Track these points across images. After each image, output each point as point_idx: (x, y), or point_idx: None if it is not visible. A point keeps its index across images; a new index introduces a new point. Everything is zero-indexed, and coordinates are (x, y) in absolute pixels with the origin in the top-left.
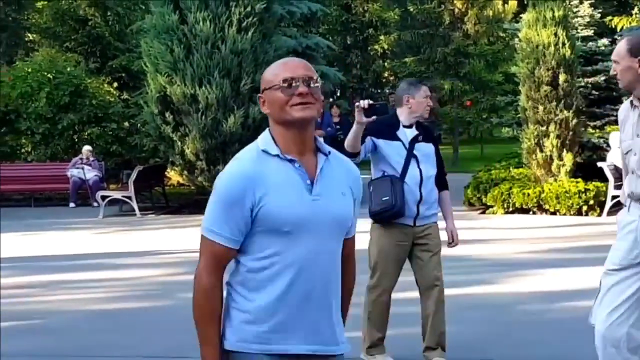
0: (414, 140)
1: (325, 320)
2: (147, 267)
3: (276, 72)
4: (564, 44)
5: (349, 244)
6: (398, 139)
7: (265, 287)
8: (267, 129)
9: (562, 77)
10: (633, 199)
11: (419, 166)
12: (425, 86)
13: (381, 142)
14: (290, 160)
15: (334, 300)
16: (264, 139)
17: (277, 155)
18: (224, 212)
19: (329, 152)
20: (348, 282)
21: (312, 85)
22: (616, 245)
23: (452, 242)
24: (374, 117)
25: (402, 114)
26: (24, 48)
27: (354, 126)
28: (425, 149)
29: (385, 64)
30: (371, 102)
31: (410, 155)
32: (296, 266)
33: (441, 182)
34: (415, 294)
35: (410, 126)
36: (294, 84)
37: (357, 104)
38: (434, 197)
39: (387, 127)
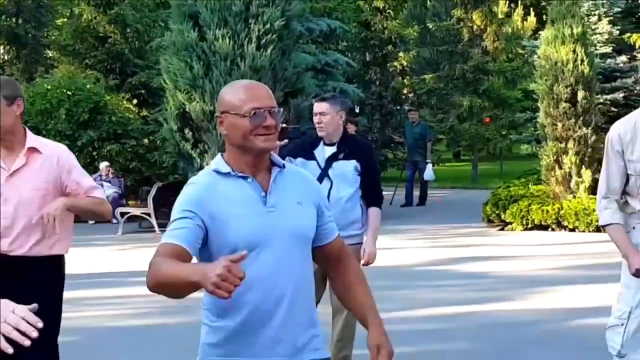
0: (331, 159)
1: (292, 335)
2: None
3: (242, 97)
4: (582, 61)
5: (334, 246)
6: (314, 158)
7: (228, 312)
8: (219, 154)
9: (580, 94)
10: None
11: (331, 187)
12: (315, 102)
13: (298, 162)
14: (243, 177)
15: (304, 314)
16: (215, 161)
17: (229, 173)
18: (178, 219)
19: (283, 165)
20: (351, 274)
21: (276, 116)
22: None
23: (364, 262)
24: (285, 140)
25: None
26: (43, 65)
27: None
28: (342, 168)
29: (405, 80)
30: (283, 125)
31: (323, 175)
32: (258, 285)
33: (369, 199)
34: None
35: (331, 144)
36: (260, 115)
37: None
38: (350, 219)
39: (306, 146)
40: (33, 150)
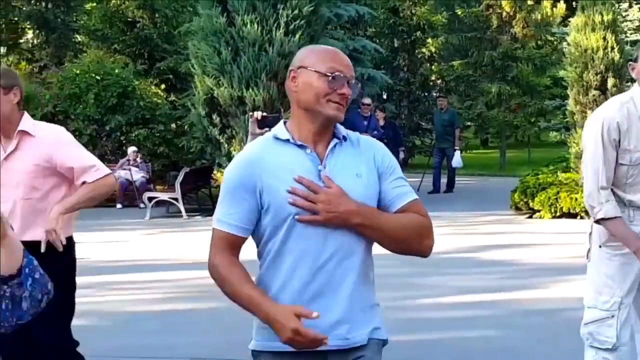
0: None
1: (342, 314)
2: (193, 269)
3: (325, 57)
4: (612, 48)
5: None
6: None
7: (279, 286)
8: (282, 121)
9: (610, 82)
10: None
11: None
12: None
13: None
14: (301, 146)
15: (356, 296)
16: (277, 127)
17: (288, 140)
18: (230, 199)
19: (343, 137)
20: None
21: (353, 87)
22: (628, 260)
23: None
24: (266, 128)
25: None
26: (72, 50)
27: (249, 137)
28: None
29: (433, 67)
30: (264, 114)
31: None
32: (309, 259)
33: None
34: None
35: None
36: (340, 79)
37: (250, 114)
38: None
39: None
40: (23, 133)
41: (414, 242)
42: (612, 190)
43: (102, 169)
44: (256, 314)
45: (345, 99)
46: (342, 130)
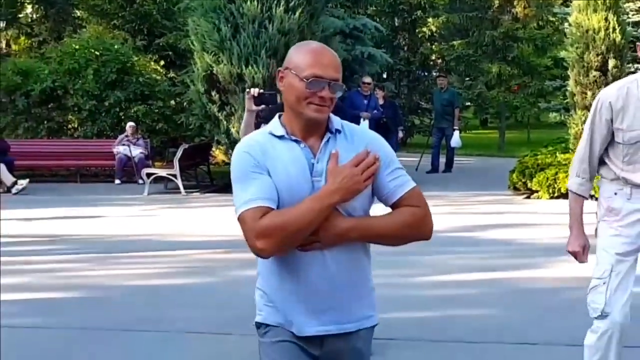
0: None
1: (337, 302)
2: (190, 245)
3: (308, 61)
4: (614, 29)
5: (403, 203)
6: None
7: (274, 273)
8: (277, 115)
9: (611, 63)
10: None
11: None
12: None
13: None
14: (296, 141)
15: (349, 285)
16: (272, 123)
17: (283, 136)
18: (247, 180)
19: (337, 130)
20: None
21: (334, 88)
22: (619, 232)
23: None
24: (262, 105)
25: None
26: (71, 25)
27: (245, 114)
28: None
29: (433, 46)
30: (261, 90)
31: None
32: (305, 259)
33: None
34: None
35: None
36: (318, 84)
37: (247, 90)
38: None
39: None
40: None
41: (412, 236)
42: (609, 167)
43: None
44: (323, 206)
45: (326, 101)
46: (336, 123)
